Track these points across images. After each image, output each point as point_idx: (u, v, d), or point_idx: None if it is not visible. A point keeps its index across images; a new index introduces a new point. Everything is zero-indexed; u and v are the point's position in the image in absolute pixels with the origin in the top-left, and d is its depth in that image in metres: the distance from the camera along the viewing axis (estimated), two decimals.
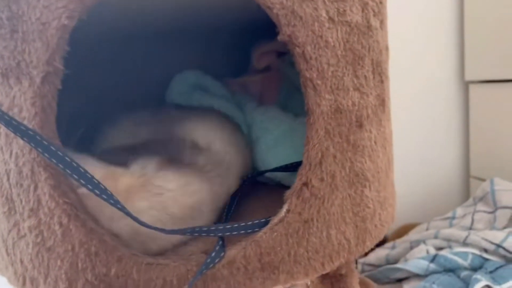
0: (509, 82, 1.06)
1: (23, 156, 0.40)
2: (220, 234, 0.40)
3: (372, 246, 0.48)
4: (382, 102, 0.49)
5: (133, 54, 0.76)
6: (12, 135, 0.40)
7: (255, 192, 0.56)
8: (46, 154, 0.37)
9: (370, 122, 0.47)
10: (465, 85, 1.21)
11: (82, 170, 0.37)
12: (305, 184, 0.41)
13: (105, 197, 0.37)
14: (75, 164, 0.37)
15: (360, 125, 0.45)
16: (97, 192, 0.37)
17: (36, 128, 0.38)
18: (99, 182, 0.37)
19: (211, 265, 0.39)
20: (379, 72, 0.48)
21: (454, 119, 1.24)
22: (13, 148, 0.41)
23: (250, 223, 0.41)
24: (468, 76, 1.18)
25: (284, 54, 0.71)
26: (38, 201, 0.40)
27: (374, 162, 0.47)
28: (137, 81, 0.77)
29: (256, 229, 0.41)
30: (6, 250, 0.44)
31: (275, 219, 0.41)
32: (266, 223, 0.41)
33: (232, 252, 0.40)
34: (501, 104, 1.09)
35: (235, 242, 0.41)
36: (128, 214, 0.38)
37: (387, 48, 0.51)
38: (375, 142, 0.48)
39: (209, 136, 0.52)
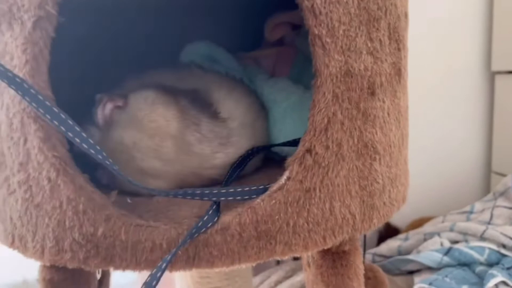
0: None
1: (13, 107, 0.38)
2: (214, 198, 0.38)
3: (380, 225, 0.45)
4: (398, 71, 0.46)
5: (146, 25, 0.74)
6: (3, 85, 0.38)
7: (260, 166, 0.54)
8: (33, 104, 0.35)
9: (384, 91, 0.43)
10: (491, 75, 1.16)
11: (71, 123, 0.35)
12: (308, 150, 0.39)
13: (93, 152, 0.35)
14: (63, 116, 0.35)
15: (372, 93, 0.42)
16: (85, 146, 0.35)
17: (26, 77, 0.37)
18: (87, 137, 0.35)
19: (203, 230, 0.36)
20: (396, 39, 0.45)
21: (477, 111, 1.18)
22: (4, 99, 0.39)
23: (247, 188, 0.38)
24: (495, 66, 1.12)
25: (299, 27, 0.68)
26: (28, 155, 0.38)
27: (386, 135, 0.44)
28: (148, 52, 0.75)
29: (254, 196, 0.38)
30: None
31: (274, 186, 0.38)
32: (265, 190, 0.39)
33: (227, 218, 0.38)
34: None
35: (230, 208, 0.39)
36: (115, 171, 0.36)
37: (406, 15, 0.48)
38: (388, 114, 0.44)
39: (231, 110, 0.50)
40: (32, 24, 0.36)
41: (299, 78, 0.68)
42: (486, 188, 1.22)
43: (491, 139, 1.18)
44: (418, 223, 1.09)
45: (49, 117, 0.35)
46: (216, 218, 0.37)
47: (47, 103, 0.35)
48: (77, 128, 0.35)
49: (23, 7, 0.36)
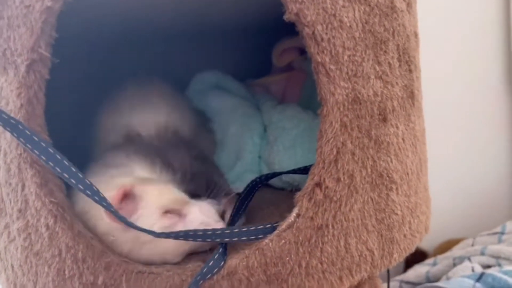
0: None
1: (10, 152, 0.37)
2: (218, 240, 0.35)
3: (401, 260, 0.42)
4: (411, 94, 0.43)
5: (155, 54, 0.74)
6: (1, 129, 0.37)
7: (270, 198, 0.51)
8: (28, 145, 0.33)
9: (397, 116, 0.41)
10: None
11: (66, 163, 0.34)
12: (318, 184, 0.36)
13: (89, 192, 0.34)
14: (58, 157, 0.34)
15: (384, 119, 0.39)
16: (81, 187, 0.33)
17: (22, 121, 0.35)
18: (84, 177, 0.34)
19: (209, 276, 0.34)
20: (406, 60, 0.42)
21: (502, 125, 1.13)
22: (2, 144, 0.38)
23: (253, 228, 0.36)
24: None
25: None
26: (26, 201, 0.37)
27: (402, 162, 0.41)
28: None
29: (261, 236, 0.36)
30: None
31: (283, 225, 0.36)
32: (273, 229, 0.36)
33: (233, 261, 0.35)
34: None
35: (237, 250, 0.36)
36: (120, 217, 0.34)
37: (416, 35, 0.45)
38: (403, 139, 0.42)
39: None
40: (25, 67, 0.35)
41: (309, 102, 0.66)
42: None
43: None
44: (446, 246, 1.04)
45: (44, 158, 0.33)
46: (222, 262, 0.35)
47: (42, 144, 0.33)
48: (73, 169, 0.34)
49: (16, 51, 0.35)
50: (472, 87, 1.12)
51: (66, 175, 0.34)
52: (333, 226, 0.36)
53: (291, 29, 0.39)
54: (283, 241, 0.35)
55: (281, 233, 0.36)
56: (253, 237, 0.35)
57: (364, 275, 0.38)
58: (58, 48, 0.36)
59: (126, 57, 0.69)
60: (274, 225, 0.36)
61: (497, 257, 0.83)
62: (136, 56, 0.70)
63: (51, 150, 0.34)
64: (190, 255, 0.38)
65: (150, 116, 0.51)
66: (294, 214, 0.36)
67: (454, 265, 0.87)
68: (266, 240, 0.35)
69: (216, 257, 0.35)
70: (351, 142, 0.37)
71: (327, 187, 0.36)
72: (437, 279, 0.87)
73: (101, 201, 0.34)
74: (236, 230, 0.35)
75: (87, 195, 0.34)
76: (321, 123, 0.37)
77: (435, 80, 0.88)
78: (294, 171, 0.48)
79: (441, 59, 1.05)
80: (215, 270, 0.34)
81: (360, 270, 0.38)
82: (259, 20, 0.64)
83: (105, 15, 0.49)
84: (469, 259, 0.86)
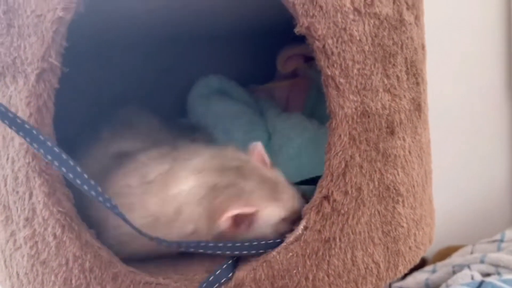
0: None
1: (18, 160, 0.37)
2: (228, 252, 0.35)
3: (406, 271, 0.42)
4: (418, 106, 0.43)
5: (160, 58, 0.74)
6: (9, 137, 0.37)
7: None
8: (41, 150, 0.33)
9: (404, 129, 0.41)
10: None
11: (79, 170, 0.34)
12: (326, 197, 0.36)
13: (101, 199, 0.33)
14: (71, 163, 0.33)
15: (392, 132, 0.39)
16: (93, 193, 0.33)
17: None
18: (96, 184, 0.34)
19: (216, 285, 0.34)
20: (414, 73, 0.42)
21: (502, 131, 1.14)
22: (10, 152, 0.38)
23: (262, 242, 0.36)
24: None
25: (312, 59, 0.67)
26: (33, 209, 0.37)
27: (409, 175, 0.42)
28: (160, 87, 0.74)
29: (269, 249, 0.36)
30: (5, 261, 0.41)
31: (290, 237, 0.36)
32: (281, 242, 0.36)
33: (241, 273, 0.35)
34: None
35: (245, 262, 0.36)
36: (124, 219, 0.34)
37: (423, 47, 0.46)
38: (409, 152, 0.42)
39: None
40: (35, 76, 0.35)
41: (314, 110, 0.66)
42: None
43: None
44: (445, 253, 1.04)
45: (57, 164, 0.33)
46: (230, 274, 0.35)
47: (55, 149, 0.33)
48: (85, 175, 0.34)
49: (26, 60, 0.35)
50: (473, 94, 1.12)
51: (78, 181, 0.33)
52: (340, 239, 0.37)
53: (296, 35, 0.40)
54: (290, 253, 0.35)
55: (288, 245, 0.36)
56: (261, 251, 0.36)
57: (370, 287, 0.38)
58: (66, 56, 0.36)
59: (131, 61, 0.69)
60: (282, 238, 0.36)
61: (497, 266, 0.83)
62: (142, 60, 0.70)
63: (64, 156, 0.33)
64: (196, 267, 0.38)
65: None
66: (301, 226, 0.36)
67: (454, 272, 0.87)
68: (274, 253, 0.36)
69: (224, 267, 0.35)
70: (359, 155, 0.37)
71: (335, 200, 0.36)
72: (437, 287, 0.87)
73: (110, 205, 0.34)
74: (246, 243, 0.35)
75: (99, 201, 0.33)
76: (329, 136, 0.37)
77: (436, 86, 0.89)
78: (301, 182, 0.48)
79: (442, 66, 1.05)
80: (223, 280, 0.35)
81: (366, 282, 0.38)
82: (264, 25, 0.64)
83: (112, 21, 0.49)
84: (468, 267, 0.86)
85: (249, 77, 0.75)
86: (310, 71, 0.67)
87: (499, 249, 0.93)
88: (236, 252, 0.36)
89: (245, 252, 0.36)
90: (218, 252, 0.36)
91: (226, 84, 0.69)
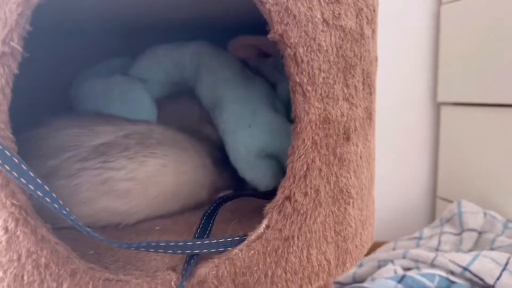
0: (481, 106, 1.07)
1: None
2: (188, 251, 0.35)
3: (351, 268, 0.45)
4: (370, 115, 0.46)
5: (131, 48, 0.71)
6: None
7: (238, 203, 0.52)
8: None
9: (357, 136, 0.44)
10: (437, 106, 1.22)
11: (24, 168, 0.32)
12: (288, 198, 0.38)
13: (48, 200, 0.32)
14: (16, 160, 0.32)
15: (348, 138, 0.42)
16: (40, 194, 0.32)
17: None
18: (43, 183, 0.32)
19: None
20: (368, 84, 0.46)
21: (424, 140, 1.24)
22: None
23: (222, 240, 0.37)
24: (441, 97, 1.19)
25: (267, 56, 0.68)
26: None
27: (359, 178, 0.45)
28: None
29: (230, 247, 0.37)
30: None
31: (252, 236, 0.37)
32: (242, 240, 0.37)
33: (203, 270, 0.36)
34: (472, 127, 1.10)
35: (206, 259, 0.37)
36: (75, 223, 0.33)
37: (376, 60, 0.49)
38: (360, 157, 0.45)
39: None
40: None
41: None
42: (432, 213, 1.27)
43: (436, 166, 1.24)
44: (370, 248, 1.12)
45: (8, 168, 0.31)
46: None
47: (6, 152, 0.31)
48: (32, 174, 0.32)
49: None
50: (399, 101, 1.21)
51: (23, 180, 0.32)
52: (298, 238, 0.39)
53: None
54: (252, 251, 0.37)
55: (250, 243, 0.37)
56: (222, 249, 0.36)
57: (321, 283, 0.41)
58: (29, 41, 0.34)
59: (115, 51, 0.66)
60: (243, 236, 0.37)
61: (416, 261, 0.91)
62: (127, 49, 0.67)
63: (7, 153, 0.31)
64: (157, 264, 0.38)
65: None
66: (263, 225, 0.38)
67: (379, 267, 0.94)
68: (236, 250, 0.37)
69: (185, 266, 0.35)
70: (319, 159, 0.39)
71: (296, 200, 0.38)
72: (363, 280, 0.93)
73: (68, 215, 0.33)
74: (207, 241, 0.36)
75: (44, 202, 0.32)
76: (293, 140, 0.39)
77: None
78: (254, 194, 0.50)
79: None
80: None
81: (318, 278, 0.40)
82: (249, 19, 0.64)
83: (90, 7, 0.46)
84: (392, 262, 0.94)
85: None
86: (263, 68, 0.68)
87: (417, 246, 1.02)
88: (197, 251, 0.36)
89: (205, 250, 0.36)
90: (178, 252, 0.36)
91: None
